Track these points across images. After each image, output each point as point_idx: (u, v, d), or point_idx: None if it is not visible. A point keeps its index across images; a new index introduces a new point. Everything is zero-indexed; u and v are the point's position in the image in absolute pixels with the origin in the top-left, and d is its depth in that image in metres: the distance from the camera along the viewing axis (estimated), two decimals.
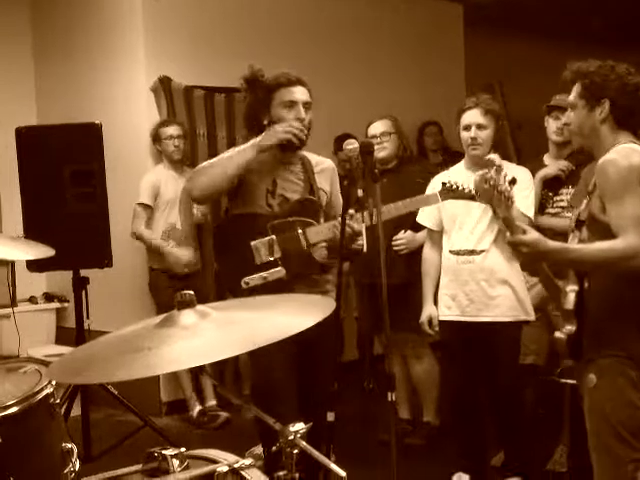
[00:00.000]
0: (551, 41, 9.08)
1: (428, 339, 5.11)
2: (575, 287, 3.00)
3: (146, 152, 6.14)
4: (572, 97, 3.10)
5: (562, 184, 4.58)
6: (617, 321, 2.94)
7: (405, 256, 4.95)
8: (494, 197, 2.98)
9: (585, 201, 3.06)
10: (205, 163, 3.64)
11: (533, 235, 2.89)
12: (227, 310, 2.17)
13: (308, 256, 3.60)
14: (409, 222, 4.80)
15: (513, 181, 3.06)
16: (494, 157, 4.09)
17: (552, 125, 4.64)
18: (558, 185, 4.58)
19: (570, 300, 2.99)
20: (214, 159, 3.63)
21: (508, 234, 2.95)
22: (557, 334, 3.04)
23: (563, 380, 3.25)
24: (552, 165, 4.61)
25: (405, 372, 5.23)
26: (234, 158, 3.54)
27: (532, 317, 4.30)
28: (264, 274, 3.51)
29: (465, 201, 4.15)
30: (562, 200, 4.55)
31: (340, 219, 3.50)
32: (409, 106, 7.12)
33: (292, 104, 3.61)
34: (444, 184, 3.99)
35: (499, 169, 3.03)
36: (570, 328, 2.99)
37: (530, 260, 3.02)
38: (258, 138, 3.58)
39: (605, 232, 2.87)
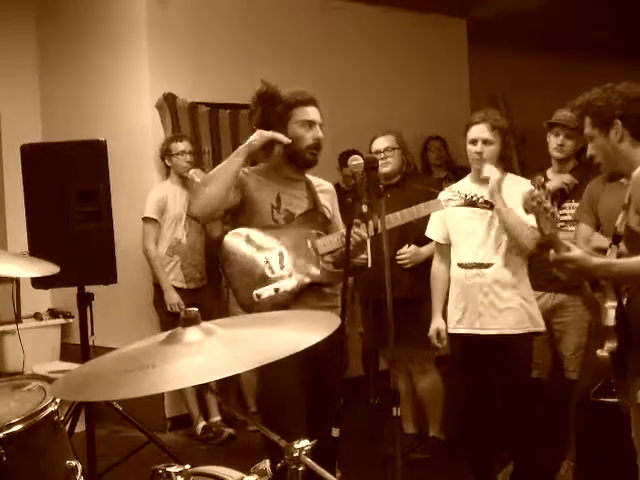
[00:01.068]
0: (555, 55, 9.10)
1: (433, 354, 5.12)
2: (614, 303, 2.95)
3: (151, 168, 6.16)
4: (587, 131, 3.12)
5: (565, 198, 4.58)
6: None
7: (410, 271, 4.95)
8: (540, 215, 2.94)
9: (621, 215, 3.04)
10: (199, 181, 3.64)
11: (578, 252, 2.86)
12: (232, 327, 2.17)
13: (318, 267, 3.60)
14: (413, 236, 4.80)
15: (556, 197, 3.02)
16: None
17: (553, 141, 4.65)
18: (561, 199, 4.58)
19: (610, 317, 2.93)
20: (206, 175, 3.63)
21: (552, 252, 2.90)
22: (599, 352, 2.96)
23: (602, 399, 3.14)
24: (556, 179, 4.62)
25: (410, 387, 5.22)
26: (225, 168, 3.54)
27: (542, 328, 4.31)
28: (276, 286, 3.52)
29: (470, 215, 4.17)
30: (565, 214, 4.55)
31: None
32: (413, 121, 7.13)
33: (310, 124, 3.65)
34: (447, 192, 4.01)
35: (544, 186, 2.98)
36: (611, 345, 2.92)
37: (575, 276, 2.97)
38: (245, 143, 3.59)
39: None
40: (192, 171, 5.75)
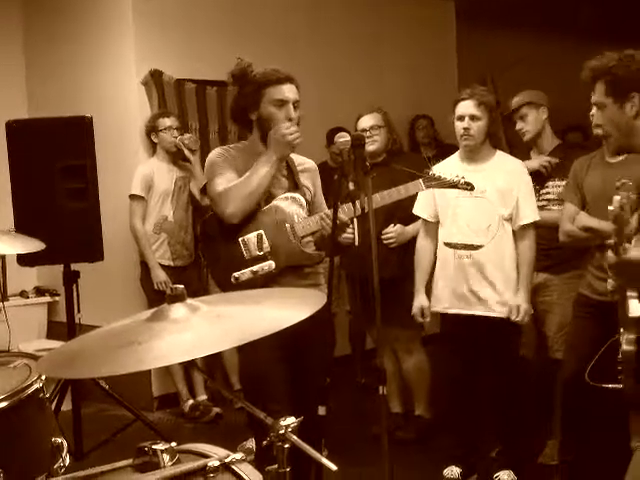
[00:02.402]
0: (543, 35, 9.09)
1: (418, 334, 5.13)
2: (634, 293, 2.71)
3: (137, 145, 6.12)
4: (598, 97, 2.96)
5: (546, 179, 4.57)
6: None
7: (397, 250, 4.93)
8: (623, 222, 2.67)
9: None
10: (225, 188, 3.49)
11: (636, 252, 2.63)
12: (217, 304, 2.16)
13: (297, 249, 3.59)
14: (398, 215, 4.80)
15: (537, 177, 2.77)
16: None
17: (519, 126, 4.68)
18: (544, 178, 4.58)
19: (634, 307, 2.71)
20: (235, 183, 3.50)
21: (611, 254, 2.70)
22: (625, 347, 2.75)
23: (606, 385, 3.00)
24: (535, 160, 4.62)
25: (397, 367, 5.23)
26: (260, 181, 3.47)
27: (530, 310, 4.32)
28: (254, 268, 3.49)
29: (459, 195, 4.16)
30: (548, 193, 4.56)
31: (326, 212, 3.50)
32: (402, 100, 7.12)
33: (282, 103, 3.54)
34: (427, 173, 4.00)
35: (629, 189, 2.74)
36: (630, 337, 2.72)
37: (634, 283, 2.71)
38: (272, 153, 3.50)
39: None
40: (180, 138, 5.75)
